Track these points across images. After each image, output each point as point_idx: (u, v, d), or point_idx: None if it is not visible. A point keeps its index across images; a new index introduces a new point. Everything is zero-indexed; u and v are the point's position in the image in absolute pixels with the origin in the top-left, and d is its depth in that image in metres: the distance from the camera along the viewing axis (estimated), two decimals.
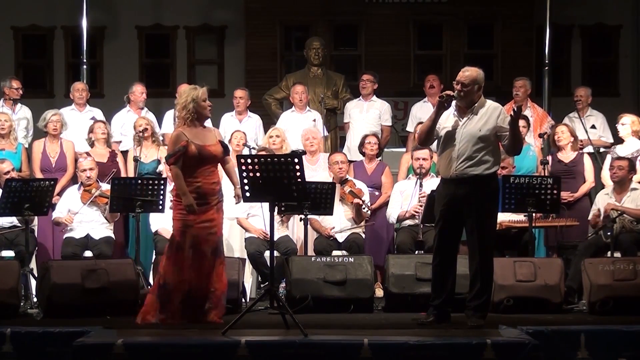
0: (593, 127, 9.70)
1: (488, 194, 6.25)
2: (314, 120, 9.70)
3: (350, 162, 8.98)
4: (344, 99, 10.37)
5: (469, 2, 13.30)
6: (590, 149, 9.25)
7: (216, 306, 6.34)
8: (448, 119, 6.32)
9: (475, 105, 6.23)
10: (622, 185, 8.06)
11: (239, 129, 9.49)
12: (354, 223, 8.28)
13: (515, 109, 6.12)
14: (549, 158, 8.79)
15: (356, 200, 8.17)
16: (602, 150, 9.32)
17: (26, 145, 9.32)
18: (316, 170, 8.83)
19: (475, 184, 6.18)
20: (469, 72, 6.23)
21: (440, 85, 10.04)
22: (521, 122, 9.06)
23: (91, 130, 9.04)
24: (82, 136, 9.29)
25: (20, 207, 7.52)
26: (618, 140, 9.21)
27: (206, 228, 6.33)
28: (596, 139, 9.52)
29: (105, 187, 8.15)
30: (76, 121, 9.51)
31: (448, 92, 6.23)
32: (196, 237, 6.30)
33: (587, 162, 8.77)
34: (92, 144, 9.04)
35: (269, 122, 10.15)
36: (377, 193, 8.89)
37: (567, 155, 8.75)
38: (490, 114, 6.22)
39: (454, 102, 6.28)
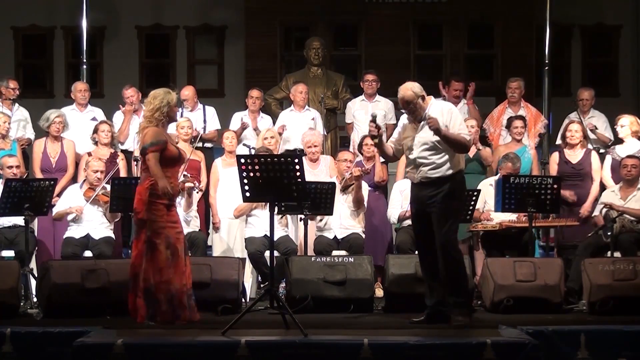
0: (595, 127, 9.68)
1: (447, 193, 6.31)
2: (313, 119, 9.70)
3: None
4: (344, 99, 10.37)
5: (469, 2, 13.29)
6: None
7: (195, 304, 6.36)
8: (406, 129, 6.52)
9: (425, 112, 6.38)
10: (631, 184, 8.06)
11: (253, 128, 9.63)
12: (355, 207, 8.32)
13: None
14: (556, 156, 8.75)
15: (356, 171, 8.20)
16: (601, 151, 9.31)
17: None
18: (318, 175, 8.82)
19: (437, 185, 6.32)
20: (402, 94, 6.40)
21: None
22: (519, 123, 9.12)
23: (95, 130, 9.04)
24: (83, 136, 9.29)
25: (20, 207, 7.52)
26: (617, 140, 9.19)
27: (174, 228, 6.36)
28: (600, 133, 9.50)
29: (108, 187, 8.14)
30: (77, 121, 9.51)
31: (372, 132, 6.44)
32: (169, 237, 6.30)
33: (595, 161, 8.74)
34: (95, 144, 9.04)
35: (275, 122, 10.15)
36: (376, 192, 8.91)
37: (575, 155, 8.73)
38: (437, 114, 6.33)
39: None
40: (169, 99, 6.39)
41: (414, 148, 6.40)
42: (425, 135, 6.34)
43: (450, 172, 6.34)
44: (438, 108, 6.41)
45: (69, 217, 8.17)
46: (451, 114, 6.38)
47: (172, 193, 6.32)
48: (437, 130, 6.23)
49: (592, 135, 9.44)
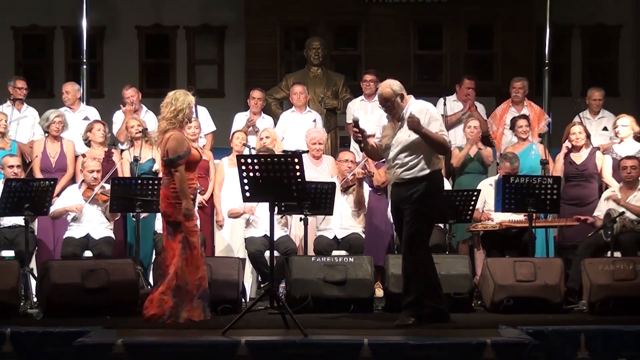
0: (605, 129, 9.68)
1: (421, 194, 6.29)
2: (314, 121, 9.69)
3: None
4: (344, 99, 10.36)
5: (469, 2, 13.30)
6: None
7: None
8: (385, 128, 6.50)
9: (403, 112, 6.36)
10: (632, 185, 8.05)
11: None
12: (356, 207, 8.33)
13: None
14: (561, 157, 8.74)
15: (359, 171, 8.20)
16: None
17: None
18: (320, 173, 8.82)
19: (411, 185, 6.30)
20: (382, 91, 6.40)
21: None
22: (523, 122, 9.11)
23: (89, 129, 9.02)
24: (75, 136, 9.26)
25: (20, 207, 7.52)
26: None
27: (197, 226, 6.54)
28: (608, 141, 9.49)
29: (107, 186, 8.14)
30: (70, 122, 9.45)
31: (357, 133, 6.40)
32: (199, 236, 6.49)
33: (600, 161, 8.74)
34: (88, 143, 9.02)
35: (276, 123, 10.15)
36: (378, 193, 8.90)
37: (579, 155, 8.71)
38: (416, 113, 6.28)
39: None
40: (189, 101, 6.43)
41: (391, 148, 6.40)
42: (402, 136, 6.33)
43: (423, 173, 6.30)
44: (417, 108, 6.37)
45: (69, 217, 8.17)
46: (430, 115, 6.34)
47: (192, 213, 6.42)
48: (416, 130, 6.19)
49: (605, 139, 9.44)
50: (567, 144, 8.72)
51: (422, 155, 6.30)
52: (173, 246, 6.36)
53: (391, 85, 6.40)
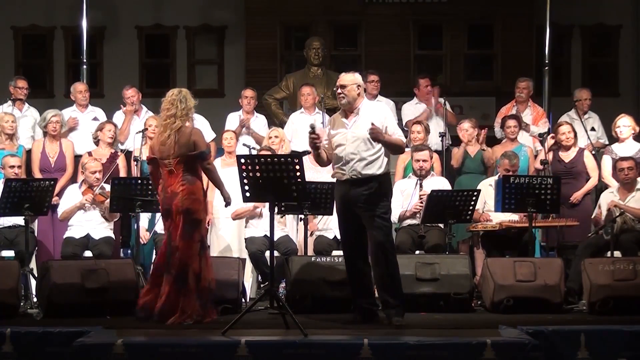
0: (593, 129, 9.68)
1: (377, 192, 6.27)
2: (322, 122, 9.67)
3: None
4: None
5: (469, 2, 13.31)
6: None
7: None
8: (336, 123, 6.47)
9: (359, 107, 6.37)
10: (630, 186, 8.05)
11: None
12: None
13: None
14: (550, 156, 8.76)
15: None
16: (600, 151, 9.31)
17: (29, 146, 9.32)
18: (320, 172, 8.80)
19: (367, 183, 6.27)
20: (346, 75, 6.47)
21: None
22: (512, 122, 9.13)
23: (100, 129, 9.02)
24: (85, 137, 9.28)
25: (20, 207, 7.52)
26: (613, 140, 9.19)
27: (207, 228, 6.51)
28: (595, 141, 9.51)
29: (106, 187, 8.14)
30: (79, 122, 9.48)
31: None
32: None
33: (589, 160, 8.74)
34: (97, 142, 9.03)
35: (269, 122, 10.13)
36: None
37: (567, 154, 8.73)
38: (374, 114, 6.32)
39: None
40: (194, 100, 6.51)
41: (346, 143, 6.34)
42: (359, 131, 6.29)
43: (379, 172, 6.30)
44: (373, 107, 6.42)
45: (80, 211, 8.16)
46: (387, 115, 6.38)
47: (231, 201, 6.56)
48: (377, 139, 6.20)
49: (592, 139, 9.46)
50: (550, 140, 8.76)
51: (381, 152, 6.30)
52: (192, 246, 6.34)
53: (354, 74, 6.47)
